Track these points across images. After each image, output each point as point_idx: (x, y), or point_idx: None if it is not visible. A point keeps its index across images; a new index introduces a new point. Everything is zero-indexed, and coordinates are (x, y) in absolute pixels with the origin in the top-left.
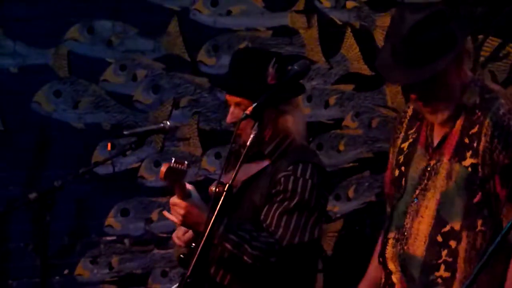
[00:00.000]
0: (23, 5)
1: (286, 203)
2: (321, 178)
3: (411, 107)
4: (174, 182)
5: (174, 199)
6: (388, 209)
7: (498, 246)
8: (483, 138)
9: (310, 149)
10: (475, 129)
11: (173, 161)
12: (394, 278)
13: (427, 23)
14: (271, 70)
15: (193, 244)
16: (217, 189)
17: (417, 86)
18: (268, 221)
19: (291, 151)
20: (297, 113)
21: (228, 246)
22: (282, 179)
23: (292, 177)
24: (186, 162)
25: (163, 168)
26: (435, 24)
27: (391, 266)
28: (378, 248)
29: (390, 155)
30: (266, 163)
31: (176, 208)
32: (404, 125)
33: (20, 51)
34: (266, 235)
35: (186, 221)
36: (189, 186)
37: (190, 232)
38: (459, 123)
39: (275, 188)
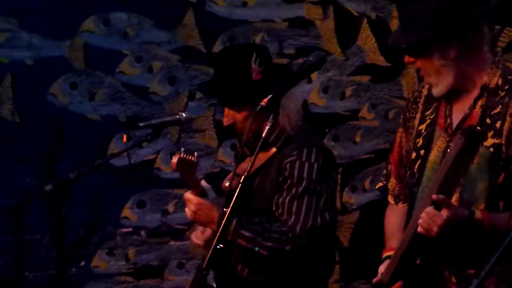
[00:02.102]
0: None
1: (294, 189)
2: (327, 160)
3: (426, 87)
4: (187, 174)
5: (188, 195)
6: (396, 184)
7: None
8: (508, 119)
9: (311, 132)
10: (498, 109)
11: (182, 151)
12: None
13: None
14: (254, 66)
15: (221, 246)
16: (232, 183)
17: (406, 50)
18: (279, 210)
19: (294, 137)
20: (292, 106)
21: (243, 242)
22: (288, 164)
23: (297, 162)
24: (195, 153)
25: (174, 159)
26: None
27: None
28: (388, 229)
29: (399, 135)
30: (272, 151)
31: (189, 203)
32: (420, 105)
33: (36, 43)
34: (278, 225)
35: (196, 218)
36: (205, 184)
37: (208, 231)
38: (480, 103)
39: (282, 175)
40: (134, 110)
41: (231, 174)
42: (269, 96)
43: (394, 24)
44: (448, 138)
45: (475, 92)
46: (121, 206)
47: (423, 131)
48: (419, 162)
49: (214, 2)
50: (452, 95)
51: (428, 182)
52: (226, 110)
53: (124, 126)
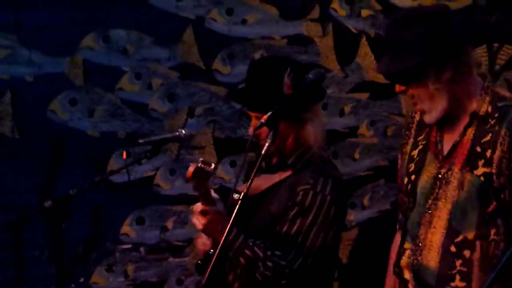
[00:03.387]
0: (39, 14)
1: (302, 219)
2: (340, 192)
3: (418, 112)
4: (200, 184)
5: (198, 205)
6: (400, 216)
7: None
8: (499, 147)
9: (331, 161)
10: (488, 138)
11: (200, 161)
12: (410, 287)
13: (411, 20)
14: (286, 79)
15: (211, 251)
16: (234, 197)
17: (398, 78)
18: (283, 239)
19: (313, 162)
20: (318, 122)
21: (242, 260)
22: (301, 192)
23: (311, 192)
24: (213, 164)
25: (191, 168)
26: (420, 24)
27: (407, 275)
28: (391, 259)
29: (399, 161)
30: (288, 173)
31: (199, 215)
32: (413, 131)
33: (36, 59)
34: (279, 255)
35: (208, 228)
36: (214, 195)
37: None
38: (470, 131)
39: (292, 200)
40: (134, 126)
41: (242, 186)
42: (269, 113)
43: None
44: (439, 165)
45: (465, 119)
46: (120, 222)
47: (415, 156)
48: (409, 186)
49: (213, 19)
50: (443, 122)
51: (418, 208)
52: (253, 120)
53: (124, 143)
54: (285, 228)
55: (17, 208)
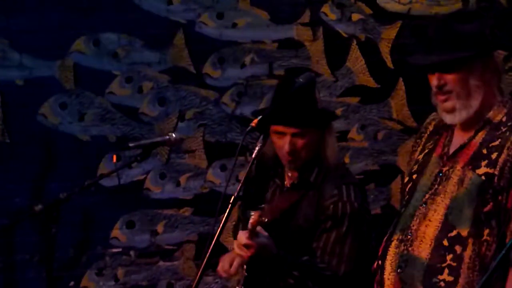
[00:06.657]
0: (29, 18)
1: (336, 231)
2: (363, 196)
3: (433, 123)
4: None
5: (242, 238)
6: None
7: (500, 263)
8: (505, 151)
9: (345, 167)
10: (497, 143)
11: (260, 213)
12: (389, 280)
13: (467, 16)
14: (318, 95)
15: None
16: (259, 218)
17: (443, 67)
18: (322, 251)
19: (330, 173)
20: (335, 140)
21: (291, 281)
22: (332, 206)
23: (340, 203)
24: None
25: (255, 217)
26: (474, 20)
27: (389, 267)
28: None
29: (407, 169)
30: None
31: (244, 247)
32: (423, 139)
33: (26, 63)
34: (324, 268)
35: (254, 259)
36: (258, 228)
37: (235, 265)
38: (480, 135)
39: (323, 214)
40: (124, 130)
41: (258, 212)
42: (259, 117)
43: (383, 46)
44: (442, 164)
45: (478, 125)
46: (110, 226)
47: (420, 159)
48: (410, 184)
49: (204, 23)
50: (457, 128)
51: (415, 202)
52: (289, 137)
53: (114, 147)
54: (322, 241)
55: (7, 212)
